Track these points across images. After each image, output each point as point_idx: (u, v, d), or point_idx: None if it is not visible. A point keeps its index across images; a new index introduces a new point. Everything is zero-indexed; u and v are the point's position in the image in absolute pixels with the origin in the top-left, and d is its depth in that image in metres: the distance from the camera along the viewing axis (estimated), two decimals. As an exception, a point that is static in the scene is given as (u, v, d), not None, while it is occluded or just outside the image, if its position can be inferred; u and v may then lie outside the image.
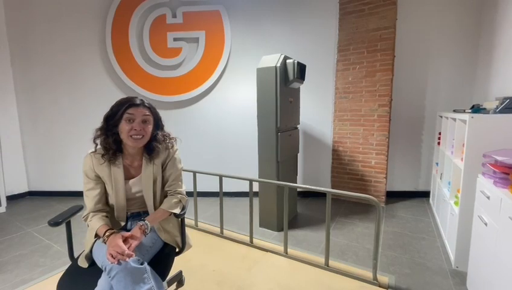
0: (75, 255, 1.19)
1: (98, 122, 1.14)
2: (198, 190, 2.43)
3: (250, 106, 3.06)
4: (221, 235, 2.25)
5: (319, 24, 3.04)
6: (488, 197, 1.29)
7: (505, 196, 1.13)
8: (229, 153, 3.27)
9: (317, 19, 3.03)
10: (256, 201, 2.35)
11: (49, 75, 3.25)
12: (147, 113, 1.13)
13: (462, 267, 1.71)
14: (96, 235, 1.08)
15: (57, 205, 3.09)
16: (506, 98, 1.67)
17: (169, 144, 1.24)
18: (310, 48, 3.05)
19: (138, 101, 1.13)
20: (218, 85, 3.20)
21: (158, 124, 1.21)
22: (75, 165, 3.31)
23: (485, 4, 2.65)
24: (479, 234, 1.43)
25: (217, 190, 2.25)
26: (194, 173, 2.35)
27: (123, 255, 0.93)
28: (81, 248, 1.17)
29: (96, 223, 1.08)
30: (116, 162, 1.14)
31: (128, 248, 0.97)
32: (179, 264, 1.24)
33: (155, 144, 1.18)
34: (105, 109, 1.14)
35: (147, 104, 1.15)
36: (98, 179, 1.15)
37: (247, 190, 2.10)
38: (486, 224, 1.31)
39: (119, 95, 1.24)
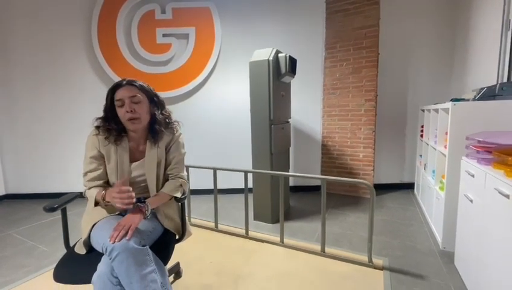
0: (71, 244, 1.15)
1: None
2: (191, 187, 2.40)
3: (241, 102, 3.08)
4: (216, 229, 2.23)
5: (307, 22, 3.13)
6: (473, 175, 1.38)
7: (489, 170, 1.21)
8: (223, 149, 3.26)
9: (306, 18, 3.12)
10: (250, 196, 2.35)
11: (30, 72, 3.09)
12: (135, 92, 1.08)
13: (449, 247, 1.81)
14: (97, 204, 1.06)
15: (38, 207, 2.92)
16: (482, 88, 1.81)
17: (174, 129, 1.22)
18: (298, 46, 3.12)
19: (124, 82, 1.09)
20: (209, 81, 3.19)
21: (154, 101, 1.17)
22: (58, 166, 3.17)
23: (460, 7, 2.85)
24: (465, 211, 1.52)
25: (211, 187, 2.24)
26: (187, 167, 2.32)
27: (129, 192, 0.94)
28: (73, 241, 1.12)
29: (94, 191, 1.06)
30: (122, 144, 1.11)
31: (127, 231, 0.94)
32: (175, 257, 1.22)
33: (158, 128, 1.15)
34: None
35: (133, 83, 1.10)
36: (101, 160, 1.11)
37: (241, 186, 2.10)
38: (471, 201, 1.39)
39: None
